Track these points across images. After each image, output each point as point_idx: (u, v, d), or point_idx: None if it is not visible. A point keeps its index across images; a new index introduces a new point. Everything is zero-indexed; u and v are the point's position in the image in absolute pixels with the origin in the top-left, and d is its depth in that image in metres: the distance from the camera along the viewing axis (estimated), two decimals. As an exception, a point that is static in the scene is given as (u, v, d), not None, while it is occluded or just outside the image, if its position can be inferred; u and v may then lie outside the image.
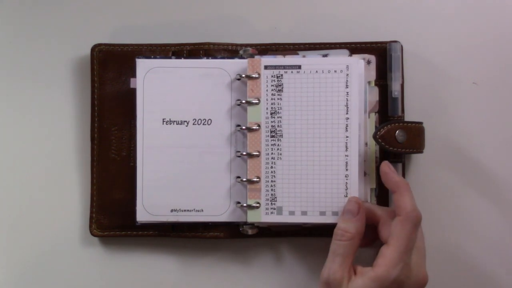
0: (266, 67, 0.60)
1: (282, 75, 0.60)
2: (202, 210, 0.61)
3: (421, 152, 0.61)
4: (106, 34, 0.65)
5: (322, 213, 0.59)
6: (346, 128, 0.59)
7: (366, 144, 0.60)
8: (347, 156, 0.59)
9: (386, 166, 0.57)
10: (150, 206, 0.61)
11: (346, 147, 0.60)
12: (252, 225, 0.61)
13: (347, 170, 0.59)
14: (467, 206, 0.64)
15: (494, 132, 0.64)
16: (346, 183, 0.59)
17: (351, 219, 0.55)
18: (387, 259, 0.52)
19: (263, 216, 0.60)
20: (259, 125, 0.60)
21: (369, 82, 0.61)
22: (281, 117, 0.60)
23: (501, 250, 0.63)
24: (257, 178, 0.60)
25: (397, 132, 0.59)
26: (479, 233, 0.64)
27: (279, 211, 0.60)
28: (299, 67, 0.60)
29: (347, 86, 0.59)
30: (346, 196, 0.59)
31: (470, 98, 0.64)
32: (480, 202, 0.64)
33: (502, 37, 0.64)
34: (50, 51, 0.65)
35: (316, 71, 0.60)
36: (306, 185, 0.60)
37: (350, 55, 0.61)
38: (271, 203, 0.60)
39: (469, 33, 0.64)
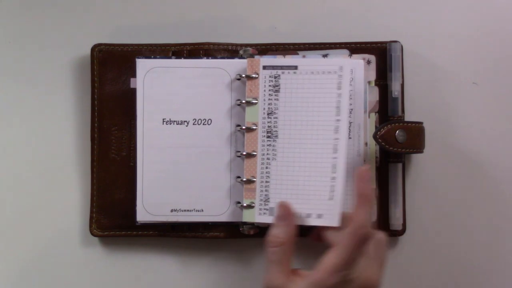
0: (264, 67, 0.60)
1: (279, 75, 0.60)
2: (202, 210, 0.61)
3: (421, 152, 0.61)
4: (106, 34, 0.65)
5: (308, 215, 0.58)
6: (336, 130, 0.58)
7: (366, 144, 0.60)
8: (335, 158, 0.58)
9: (361, 171, 0.54)
10: (150, 206, 0.61)
11: (335, 150, 0.58)
12: (252, 225, 0.61)
13: (334, 172, 0.57)
14: (467, 206, 0.64)
15: (494, 132, 0.64)
16: (332, 185, 0.57)
17: (280, 224, 0.54)
18: (327, 265, 0.50)
19: (257, 217, 0.60)
20: (256, 125, 0.60)
21: (369, 82, 0.61)
22: (277, 118, 0.60)
23: (501, 250, 0.63)
24: (253, 178, 0.60)
25: (397, 132, 0.59)
26: (479, 233, 0.64)
27: (271, 211, 0.59)
28: (296, 67, 0.60)
29: (339, 88, 0.58)
30: (332, 199, 0.57)
31: (470, 98, 0.64)
32: (480, 202, 0.64)
33: (502, 37, 0.64)
34: (50, 51, 0.65)
35: (312, 72, 0.59)
36: (297, 187, 0.59)
37: (350, 55, 0.61)
38: (265, 204, 0.60)
39: (469, 33, 0.64)
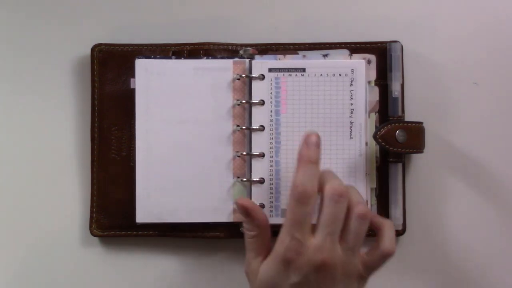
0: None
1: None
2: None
3: (421, 152, 0.61)
4: (106, 34, 0.65)
5: None
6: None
7: (366, 143, 0.61)
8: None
9: (306, 135, 0.53)
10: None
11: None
12: (252, 225, 0.61)
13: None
14: (467, 206, 0.64)
15: (494, 132, 0.64)
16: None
17: (247, 220, 0.55)
18: (280, 236, 0.52)
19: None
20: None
21: (369, 82, 0.61)
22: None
23: (501, 250, 0.63)
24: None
25: (397, 132, 0.59)
26: (479, 233, 0.64)
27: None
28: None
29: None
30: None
31: (470, 98, 0.64)
32: (480, 202, 0.64)
33: (502, 37, 0.64)
34: (50, 51, 0.65)
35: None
36: None
37: (350, 55, 0.62)
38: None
39: (469, 33, 0.64)
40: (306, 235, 0.50)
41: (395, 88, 0.62)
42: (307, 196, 0.50)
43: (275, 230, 0.62)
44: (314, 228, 0.51)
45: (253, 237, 0.55)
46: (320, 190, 0.51)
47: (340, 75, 0.60)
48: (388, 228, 0.53)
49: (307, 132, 0.53)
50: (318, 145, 0.52)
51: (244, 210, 0.55)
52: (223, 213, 0.61)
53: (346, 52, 0.62)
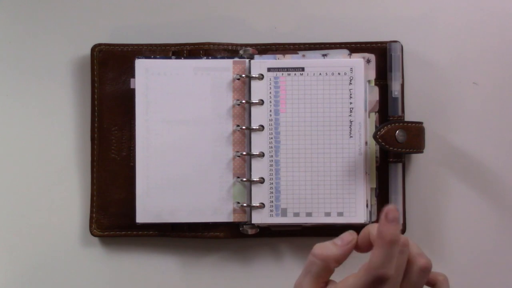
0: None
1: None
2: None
3: (421, 152, 0.61)
4: (106, 34, 0.65)
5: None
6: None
7: (366, 143, 0.60)
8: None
9: (387, 210, 0.47)
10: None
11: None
12: (252, 225, 0.61)
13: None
14: (467, 206, 0.64)
15: (494, 132, 0.64)
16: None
17: (338, 246, 0.49)
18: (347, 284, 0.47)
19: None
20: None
21: (369, 82, 0.61)
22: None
23: (501, 250, 0.63)
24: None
25: (397, 132, 0.59)
26: (479, 233, 0.63)
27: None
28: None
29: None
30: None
31: (470, 98, 0.64)
32: (480, 202, 0.64)
33: (502, 37, 0.64)
34: (50, 51, 0.65)
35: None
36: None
37: (350, 54, 0.62)
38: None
39: (469, 33, 0.64)
40: None
41: (395, 88, 0.62)
42: (385, 281, 0.46)
43: (276, 230, 0.62)
44: None
45: (323, 260, 0.49)
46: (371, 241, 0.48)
47: (339, 74, 0.60)
48: (443, 283, 0.52)
49: (387, 206, 0.47)
50: (397, 221, 0.47)
51: (347, 240, 0.49)
52: (223, 213, 0.61)
53: (345, 52, 0.62)
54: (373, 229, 0.49)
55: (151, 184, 0.61)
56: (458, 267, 0.63)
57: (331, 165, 0.60)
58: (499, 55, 0.64)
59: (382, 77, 0.62)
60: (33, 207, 0.64)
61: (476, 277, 0.63)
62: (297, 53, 0.62)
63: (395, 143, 0.59)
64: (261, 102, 0.61)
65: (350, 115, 0.60)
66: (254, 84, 0.61)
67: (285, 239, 0.63)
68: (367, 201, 0.60)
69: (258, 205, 0.60)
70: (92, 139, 0.63)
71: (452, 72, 0.64)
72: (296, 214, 0.60)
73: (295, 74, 0.61)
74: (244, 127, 0.61)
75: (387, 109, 0.62)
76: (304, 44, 0.63)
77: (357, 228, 0.50)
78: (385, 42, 0.63)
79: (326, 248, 0.49)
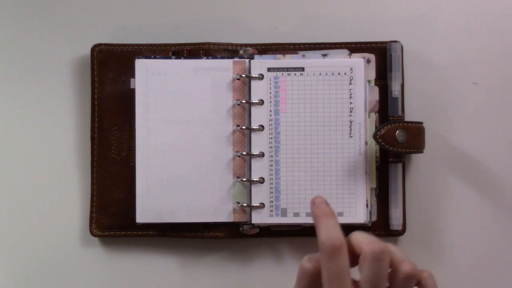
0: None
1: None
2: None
3: (421, 152, 0.61)
4: (106, 34, 0.65)
5: None
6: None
7: (366, 143, 0.61)
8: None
9: (313, 199, 0.49)
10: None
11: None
12: (252, 225, 0.61)
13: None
14: (467, 206, 0.64)
15: (494, 132, 0.64)
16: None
17: (330, 257, 0.46)
18: None
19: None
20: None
21: (369, 82, 0.61)
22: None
23: (501, 250, 0.63)
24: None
25: (397, 132, 0.59)
26: (479, 234, 0.63)
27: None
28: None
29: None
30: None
31: (470, 98, 0.64)
32: (480, 202, 0.64)
33: (502, 37, 0.64)
34: (50, 51, 0.65)
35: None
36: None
37: (350, 54, 0.62)
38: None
39: (469, 33, 0.64)
40: None
41: (395, 88, 0.62)
42: (337, 247, 0.46)
43: (276, 230, 0.62)
44: (356, 284, 0.46)
45: (311, 275, 0.47)
46: (353, 251, 0.47)
47: (339, 74, 0.60)
48: (427, 280, 0.51)
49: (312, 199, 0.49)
50: (325, 202, 0.48)
51: (339, 246, 0.46)
52: (223, 213, 0.61)
53: (345, 52, 0.62)
54: (353, 237, 0.48)
55: (151, 184, 0.61)
56: (458, 267, 0.63)
57: (331, 165, 0.60)
58: (499, 55, 0.64)
59: (382, 77, 0.62)
60: (33, 207, 0.64)
61: (476, 277, 0.63)
62: (297, 53, 0.62)
63: (395, 143, 0.59)
64: (261, 102, 0.61)
65: (350, 115, 0.60)
66: (254, 84, 0.61)
67: (285, 239, 0.63)
68: (367, 201, 0.60)
69: (258, 205, 0.60)
70: (92, 139, 0.63)
71: (452, 72, 0.64)
72: (296, 214, 0.60)
73: (295, 74, 0.61)
74: (244, 127, 0.61)
75: (387, 109, 0.62)
76: (304, 44, 0.63)
77: (357, 228, 0.50)
78: (385, 42, 0.63)
79: (314, 260, 0.48)
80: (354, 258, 0.48)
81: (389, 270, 0.48)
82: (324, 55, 0.62)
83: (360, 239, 0.47)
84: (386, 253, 0.46)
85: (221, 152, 0.61)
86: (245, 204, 0.61)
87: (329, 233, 0.46)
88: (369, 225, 0.61)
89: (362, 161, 0.60)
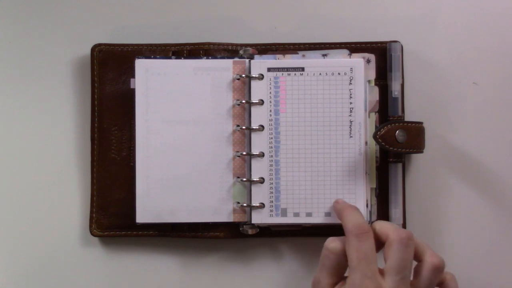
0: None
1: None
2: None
3: (421, 152, 0.61)
4: (106, 34, 0.65)
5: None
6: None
7: (366, 143, 0.61)
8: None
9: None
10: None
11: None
12: (252, 225, 0.61)
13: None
14: (467, 206, 0.64)
15: (494, 132, 0.64)
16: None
17: (357, 238, 0.51)
18: (348, 280, 0.50)
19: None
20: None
21: (369, 82, 0.61)
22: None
23: (501, 250, 0.63)
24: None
25: (397, 132, 0.59)
26: (479, 234, 0.63)
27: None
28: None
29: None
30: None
31: (470, 98, 0.64)
32: (480, 202, 0.64)
33: (502, 37, 0.64)
34: (50, 51, 0.65)
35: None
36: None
37: (350, 54, 0.62)
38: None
39: (469, 33, 0.64)
40: (376, 274, 0.48)
41: (395, 88, 0.62)
42: (364, 231, 0.50)
43: (276, 230, 0.62)
44: (381, 272, 0.49)
45: (335, 254, 0.51)
46: (378, 238, 0.51)
47: (339, 74, 0.60)
48: (451, 281, 0.52)
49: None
50: (344, 201, 0.54)
51: (363, 232, 0.51)
52: (223, 213, 0.61)
53: (345, 52, 0.62)
54: (378, 225, 0.50)
55: (151, 184, 0.61)
56: (458, 267, 0.63)
57: (331, 165, 0.60)
58: (499, 55, 0.64)
59: (382, 77, 0.62)
60: (33, 207, 0.64)
61: (476, 277, 0.63)
62: (297, 53, 0.62)
63: (395, 143, 0.59)
64: (261, 102, 0.61)
65: (350, 115, 0.60)
66: (254, 84, 0.61)
67: (285, 239, 0.63)
68: (367, 201, 0.60)
69: (258, 205, 0.60)
70: (92, 139, 0.63)
71: (452, 72, 0.64)
72: (296, 214, 0.60)
73: (295, 74, 0.61)
74: (244, 127, 0.61)
75: (387, 109, 0.62)
76: (304, 44, 0.63)
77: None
78: (385, 42, 0.63)
79: (338, 241, 0.50)
80: (378, 246, 0.50)
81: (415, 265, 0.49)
82: (324, 55, 0.62)
83: (386, 226, 0.50)
84: (412, 240, 0.49)
85: (221, 152, 0.61)
86: (245, 204, 0.61)
87: (355, 220, 0.50)
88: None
89: (362, 161, 0.60)
